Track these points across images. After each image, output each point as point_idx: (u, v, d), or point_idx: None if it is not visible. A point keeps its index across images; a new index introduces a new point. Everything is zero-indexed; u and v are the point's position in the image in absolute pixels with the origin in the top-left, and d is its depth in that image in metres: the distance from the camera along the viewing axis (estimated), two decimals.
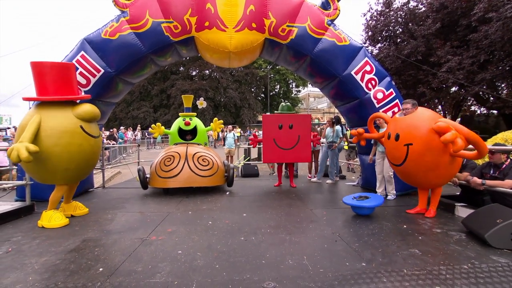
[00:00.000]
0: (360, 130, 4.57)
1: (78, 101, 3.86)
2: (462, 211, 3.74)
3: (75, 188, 4.03)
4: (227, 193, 5.48)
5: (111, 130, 15.96)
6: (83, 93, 4.63)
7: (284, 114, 6.09)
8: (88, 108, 3.59)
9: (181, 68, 33.15)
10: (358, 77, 5.13)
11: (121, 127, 20.23)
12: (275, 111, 6.68)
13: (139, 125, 24.81)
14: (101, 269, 2.30)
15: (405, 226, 3.41)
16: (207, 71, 33.08)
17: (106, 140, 12.47)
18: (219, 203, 4.68)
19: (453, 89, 13.92)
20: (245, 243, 2.90)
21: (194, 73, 33.36)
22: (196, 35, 4.90)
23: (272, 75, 35.79)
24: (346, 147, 10.07)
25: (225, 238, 3.02)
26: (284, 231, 3.25)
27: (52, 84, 3.45)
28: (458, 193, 4.37)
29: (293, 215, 3.92)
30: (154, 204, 4.61)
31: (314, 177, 7.35)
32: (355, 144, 6.85)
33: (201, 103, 7.42)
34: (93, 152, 3.72)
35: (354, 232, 3.23)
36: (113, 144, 12.62)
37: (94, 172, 7.73)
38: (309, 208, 4.28)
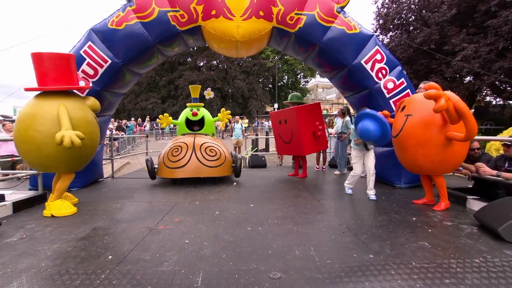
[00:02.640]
0: (386, 112, 4.38)
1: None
2: (474, 204, 3.65)
3: None
4: (235, 183, 5.50)
5: (119, 121, 16.15)
6: (90, 84, 4.67)
7: (280, 110, 6.36)
8: (96, 101, 3.88)
9: (189, 59, 33.06)
10: (368, 66, 4.99)
11: (132, 119, 20.44)
12: (285, 102, 6.80)
13: (148, 116, 25.02)
14: (110, 257, 2.34)
15: (414, 219, 3.35)
16: (215, 62, 32.91)
17: (115, 131, 12.65)
18: (227, 193, 4.70)
19: (468, 78, 13.46)
20: (252, 233, 2.91)
21: (201, 63, 33.25)
22: (203, 24, 4.83)
23: (280, 66, 35.34)
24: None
25: (232, 228, 3.03)
26: (291, 222, 3.24)
27: (58, 75, 3.48)
28: (471, 186, 4.27)
29: (301, 206, 3.91)
30: (162, 194, 4.67)
31: (323, 169, 7.30)
32: None
33: (208, 94, 7.39)
34: (99, 140, 3.99)
35: (362, 223, 3.20)
36: (122, 135, 12.78)
37: (104, 162, 7.88)
38: (316, 199, 4.26)
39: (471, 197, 3.77)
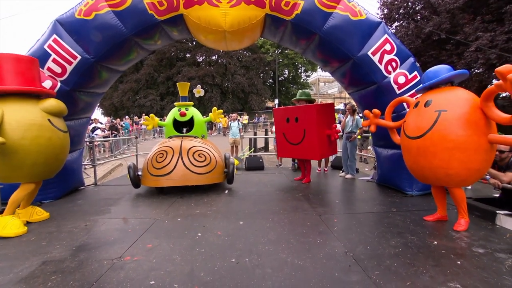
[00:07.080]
0: (376, 111, 3.87)
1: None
2: (507, 222, 3.05)
3: (37, 192, 3.65)
4: (226, 191, 4.94)
5: (113, 120, 15.61)
6: (59, 83, 4.11)
7: (291, 106, 5.53)
8: (54, 102, 3.41)
9: (188, 55, 32.37)
10: (375, 58, 4.36)
11: (126, 117, 19.90)
12: (292, 99, 6.12)
13: (144, 114, 24.47)
14: None
15: (435, 243, 2.76)
16: (214, 57, 32.17)
17: (108, 130, 12.13)
18: (215, 205, 4.14)
19: (478, 71, 12.67)
20: (236, 267, 2.35)
21: (200, 59, 32.52)
22: (185, 12, 4.21)
23: (280, 60, 34.52)
24: (359, 136, 9.32)
25: (212, 260, 2.47)
26: (286, 249, 2.67)
27: (14, 77, 3.14)
28: (498, 195, 3.67)
29: (298, 224, 3.33)
30: (143, 207, 4.13)
31: (325, 171, 6.75)
32: (369, 134, 6.13)
33: (198, 91, 6.80)
34: (63, 146, 3.56)
35: (372, 251, 2.62)
36: (115, 134, 12.23)
37: (88, 167, 7.35)
38: (317, 214, 3.68)
39: (502, 212, 3.17)
